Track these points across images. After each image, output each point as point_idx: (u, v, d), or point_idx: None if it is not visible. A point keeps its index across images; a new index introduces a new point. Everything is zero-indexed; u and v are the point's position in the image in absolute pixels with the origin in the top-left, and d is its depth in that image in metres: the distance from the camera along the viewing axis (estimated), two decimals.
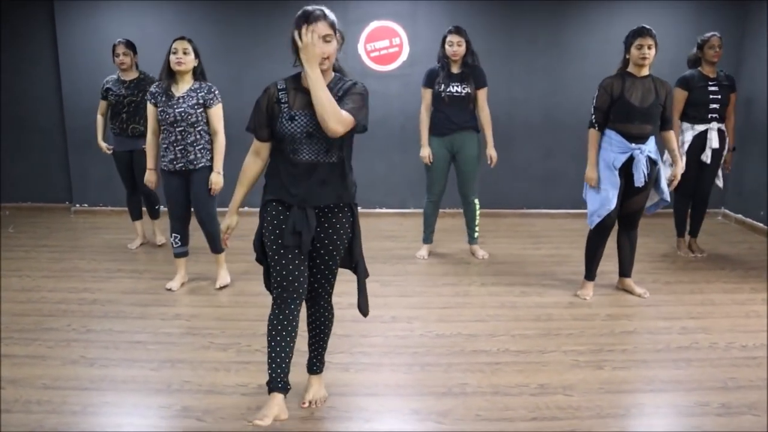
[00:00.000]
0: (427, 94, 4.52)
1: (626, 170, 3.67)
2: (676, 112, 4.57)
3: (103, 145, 4.86)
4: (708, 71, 4.58)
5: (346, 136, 2.28)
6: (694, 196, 4.78)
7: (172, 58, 3.73)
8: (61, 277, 4.32)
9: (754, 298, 3.93)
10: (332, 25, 2.23)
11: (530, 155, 6.08)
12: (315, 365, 2.66)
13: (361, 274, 2.48)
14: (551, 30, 5.85)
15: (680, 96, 4.56)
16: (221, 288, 4.06)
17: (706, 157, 4.61)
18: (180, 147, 3.80)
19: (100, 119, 4.85)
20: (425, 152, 4.54)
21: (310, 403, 2.62)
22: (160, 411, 2.61)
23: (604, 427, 2.51)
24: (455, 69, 4.43)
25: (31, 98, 6.16)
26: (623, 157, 3.63)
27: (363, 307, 2.50)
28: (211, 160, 3.88)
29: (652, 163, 3.69)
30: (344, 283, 2.66)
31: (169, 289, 4.01)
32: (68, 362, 3.03)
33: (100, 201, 6.24)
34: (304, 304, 2.53)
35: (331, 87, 2.26)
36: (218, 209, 3.98)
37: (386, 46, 5.87)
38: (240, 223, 2.55)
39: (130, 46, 4.64)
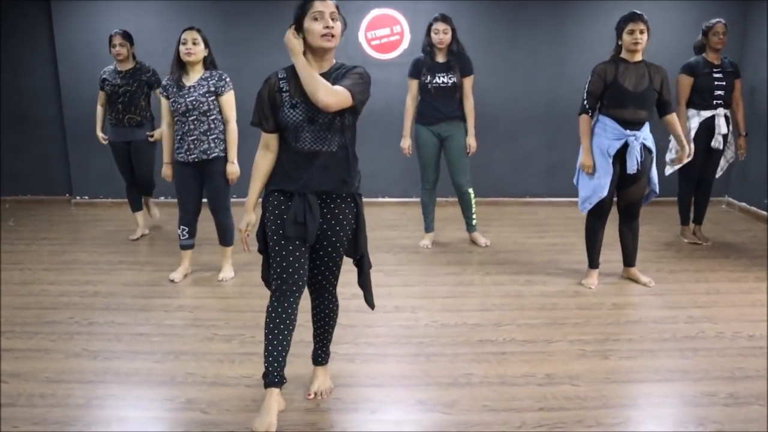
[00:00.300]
0: (413, 85, 4.49)
1: (620, 158, 3.64)
2: (682, 99, 4.54)
3: (100, 135, 4.83)
4: (712, 58, 4.54)
5: (347, 122, 2.26)
6: (698, 183, 4.75)
7: (182, 48, 3.68)
8: (62, 269, 4.29)
9: (758, 287, 3.91)
10: (336, 7, 2.22)
11: (533, 144, 6.05)
12: (320, 356, 2.64)
13: (366, 267, 2.47)
14: (555, 19, 5.79)
15: (686, 82, 4.52)
16: (222, 281, 4.03)
17: (718, 143, 4.57)
18: (193, 137, 3.74)
19: (99, 110, 4.81)
20: (405, 143, 4.55)
21: (315, 394, 2.60)
22: (165, 403, 2.60)
23: (611, 417, 2.49)
24: (440, 58, 4.39)
25: (29, 91, 6.12)
26: (618, 144, 3.60)
27: (369, 301, 2.51)
28: (225, 150, 3.84)
29: (646, 151, 3.65)
30: (347, 273, 2.64)
31: (172, 281, 3.99)
32: (71, 355, 3.02)
33: (100, 193, 6.21)
34: (308, 295, 2.52)
35: (330, 73, 2.24)
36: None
37: (387, 34, 5.82)
38: None
39: (126, 36, 4.60)
